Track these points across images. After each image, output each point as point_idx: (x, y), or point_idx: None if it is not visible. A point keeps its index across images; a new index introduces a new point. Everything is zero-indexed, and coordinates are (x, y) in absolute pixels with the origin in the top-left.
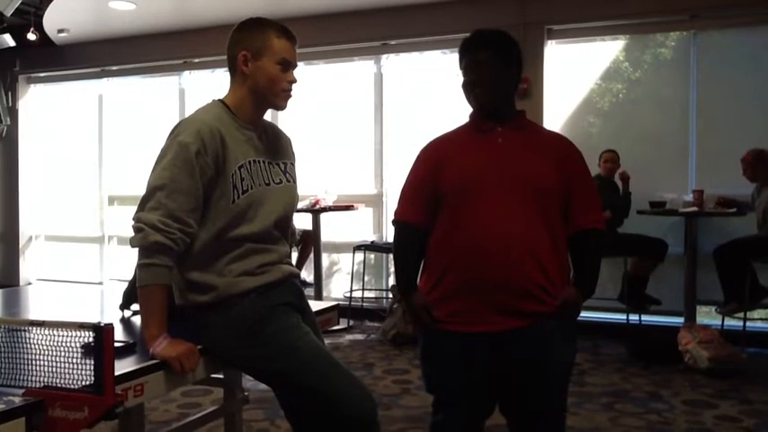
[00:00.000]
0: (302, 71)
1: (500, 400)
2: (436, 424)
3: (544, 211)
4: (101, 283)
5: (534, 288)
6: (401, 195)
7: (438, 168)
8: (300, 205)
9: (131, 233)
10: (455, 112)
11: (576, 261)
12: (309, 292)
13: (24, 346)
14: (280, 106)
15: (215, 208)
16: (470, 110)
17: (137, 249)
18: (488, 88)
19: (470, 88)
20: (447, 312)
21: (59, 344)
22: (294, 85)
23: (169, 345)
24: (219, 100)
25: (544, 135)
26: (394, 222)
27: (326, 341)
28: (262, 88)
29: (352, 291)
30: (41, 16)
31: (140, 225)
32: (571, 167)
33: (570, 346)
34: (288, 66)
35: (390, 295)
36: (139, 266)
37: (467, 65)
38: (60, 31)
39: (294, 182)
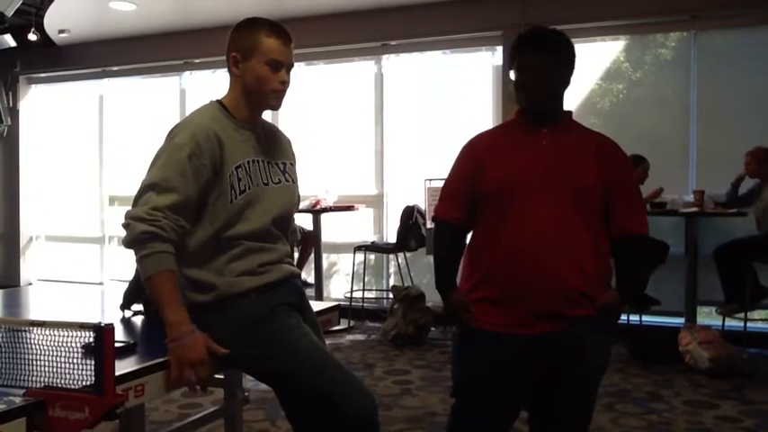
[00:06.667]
0: (303, 72)
1: (527, 401)
2: (455, 425)
3: (587, 214)
4: (101, 284)
5: (575, 292)
6: (442, 192)
7: (480, 168)
8: (301, 206)
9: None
10: (456, 112)
11: (622, 265)
12: (310, 292)
13: (25, 346)
14: (272, 106)
15: (213, 208)
16: (471, 112)
17: (131, 248)
18: (540, 92)
19: (522, 90)
20: (486, 313)
21: (60, 344)
22: (294, 86)
23: (188, 345)
24: (217, 101)
25: (589, 137)
26: (434, 219)
27: (327, 341)
28: (251, 89)
29: (352, 291)
30: (42, 17)
31: (128, 221)
32: (615, 171)
33: (606, 350)
34: (278, 66)
35: (391, 296)
36: (138, 261)
37: (520, 65)
38: (61, 31)
39: (294, 182)
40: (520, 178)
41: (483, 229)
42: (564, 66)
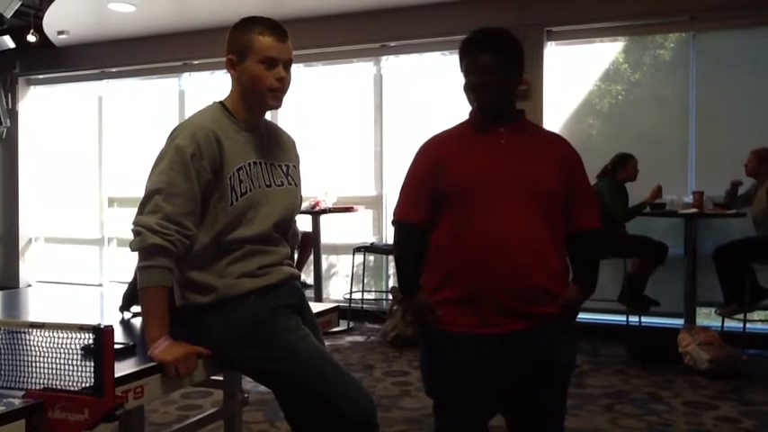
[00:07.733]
0: (302, 73)
1: (502, 402)
2: (441, 429)
3: (547, 212)
4: (100, 285)
5: (540, 290)
6: (401, 194)
7: (439, 169)
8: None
9: (132, 237)
10: (455, 113)
11: (578, 260)
12: (309, 293)
13: (24, 347)
14: (271, 106)
15: (214, 210)
16: (470, 109)
17: (137, 253)
18: (492, 91)
19: (473, 91)
20: (451, 314)
21: (59, 346)
22: (293, 87)
23: (167, 347)
24: (219, 102)
25: (545, 136)
26: (394, 222)
27: (326, 343)
28: (248, 89)
29: (351, 292)
30: (41, 18)
31: (139, 228)
32: (573, 170)
33: (573, 346)
34: (273, 63)
35: (390, 297)
36: (139, 269)
37: (468, 67)
38: (60, 32)
39: (297, 185)
40: (482, 179)
41: (445, 230)
42: (512, 63)
